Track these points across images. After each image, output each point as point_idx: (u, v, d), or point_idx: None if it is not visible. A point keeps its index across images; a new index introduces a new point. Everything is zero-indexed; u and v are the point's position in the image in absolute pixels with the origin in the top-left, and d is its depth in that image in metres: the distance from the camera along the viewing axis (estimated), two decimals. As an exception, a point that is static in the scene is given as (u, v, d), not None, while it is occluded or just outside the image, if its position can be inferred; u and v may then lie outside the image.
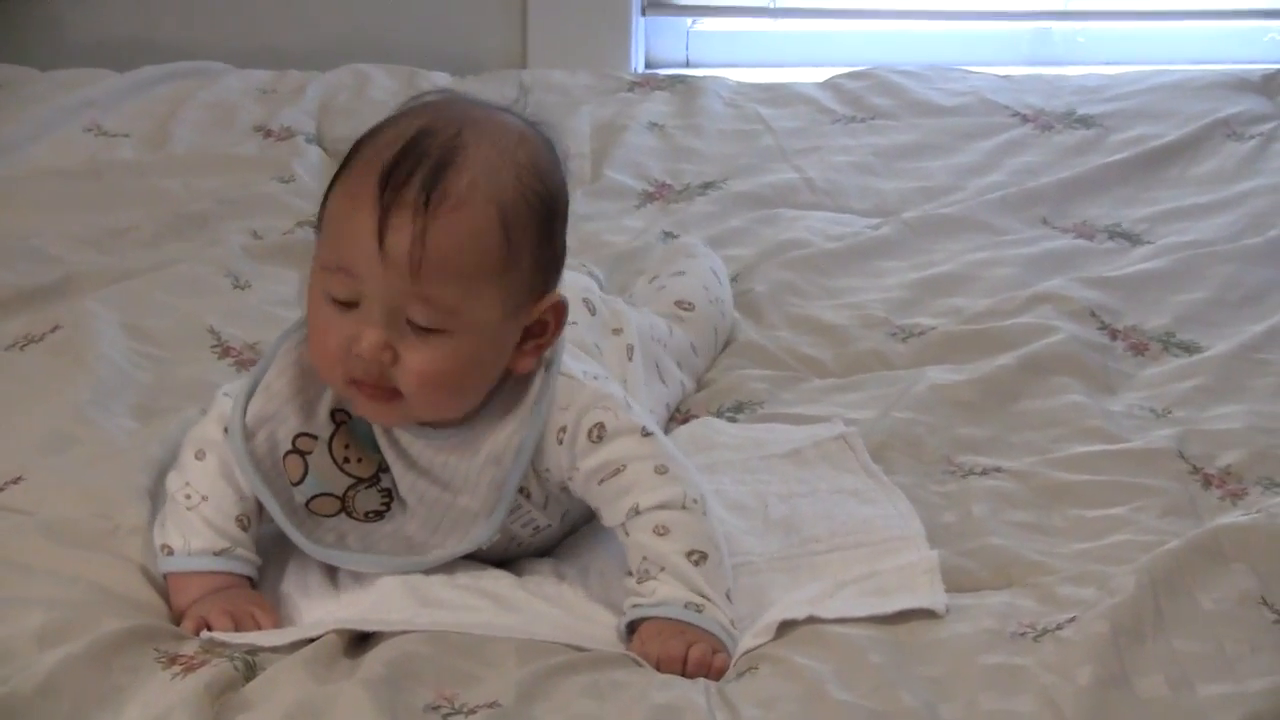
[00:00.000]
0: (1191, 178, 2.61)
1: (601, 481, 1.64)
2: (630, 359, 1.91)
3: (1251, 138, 2.70)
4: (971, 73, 3.02)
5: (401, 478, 1.67)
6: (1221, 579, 1.60)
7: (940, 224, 2.45)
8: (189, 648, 1.56)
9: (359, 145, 1.62)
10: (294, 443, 1.67)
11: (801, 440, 1.91)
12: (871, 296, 2.26)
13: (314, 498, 1.67)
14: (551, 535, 1.74)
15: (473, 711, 1.48)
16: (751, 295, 2.24)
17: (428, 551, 1.67)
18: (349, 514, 1.68)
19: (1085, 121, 2.78)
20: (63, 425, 1.88)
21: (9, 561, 1.66)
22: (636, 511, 1.62)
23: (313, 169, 2.61)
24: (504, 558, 1.71)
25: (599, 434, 1.64)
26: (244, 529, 1.68)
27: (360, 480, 1.68)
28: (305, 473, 1.67)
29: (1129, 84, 2.92)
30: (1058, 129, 2.77)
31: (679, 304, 2.09)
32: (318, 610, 1.64)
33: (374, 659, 1.53)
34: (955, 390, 2.01)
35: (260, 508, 1.68)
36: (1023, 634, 1.57)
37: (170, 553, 1.67)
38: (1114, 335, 2.15)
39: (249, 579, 1.68)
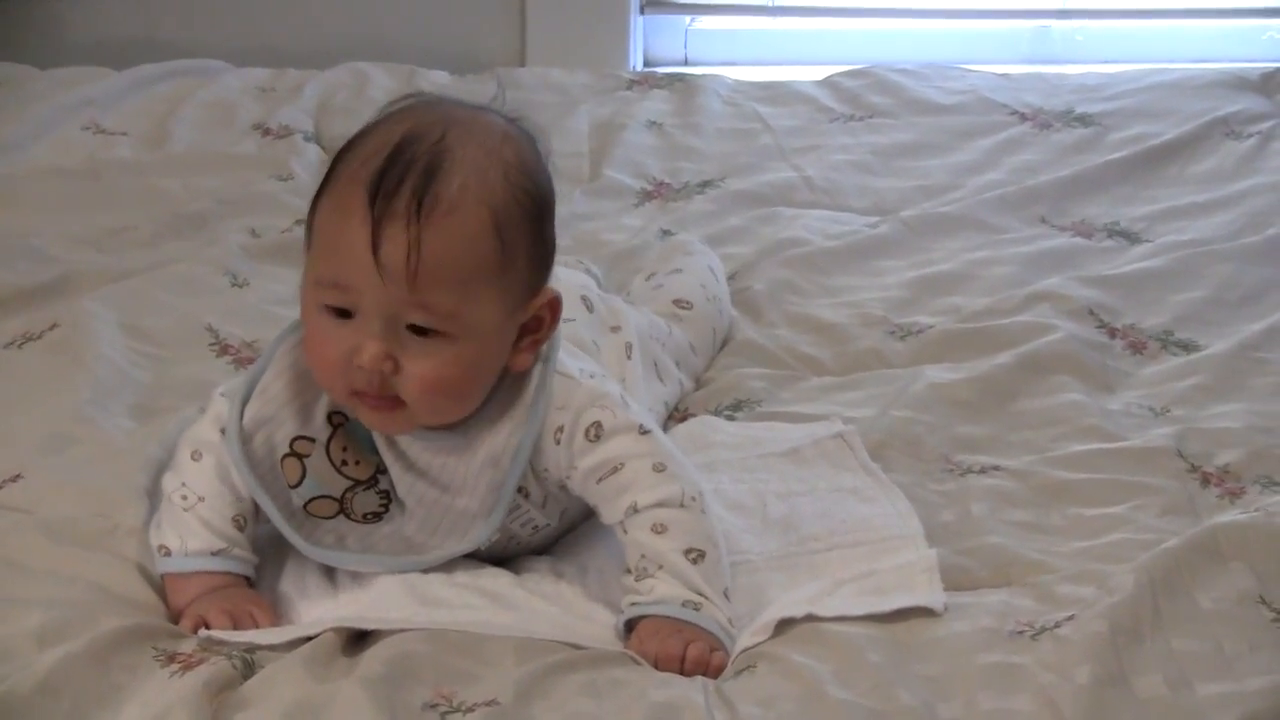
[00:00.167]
0: (1190, 176, 2.61)
1: (600, 480, 1.64)
2: (629, 357, 1.91)
3: (1250, 136, 2.70)
4: (970, 71, 3.02)
5: (399, 479, 1.67)
6: (1220, 578, 1.60)
7: (939, 222, 2.45)
8: (187, 646, 1.56)
9: (341, 156, 1.61)
10: (291, 446, 1.66)
11: (800, 439, 1.91)
12: (870, 295, 2.26)
13: (312, 500, 1.67)
14: (550, 533, 1.74)
15: (471, 710, 1.48)
16: (750, 294, 2.24)
17: (426, 552, 1.67)
18: (347, 516, 1.68)
19: (1084, 120, 2.78)
20: (61, 424, 1.88)
21: (8, 561, 1.66)
22: (634, 509, 1.62)
23: (311, 168, 2.61)
24: (502, 556, 1.71)
25: (596, 433, 1.64)
26: (241, 529, 1.68)
27: (358, 482, 1.68)
28: (303, 475, 1.67)
29: (1128, 83, 2.92)
30: (1056, 127, 2.77)
31: (677, 303, 2.09)
32: (316, 609, 1.64)
33: (372, 657, 1.53)
34: (954, 389, 2.01)
35: (257, 508, 1.68)
36: (1021, 633, 1.57)
37: (167, 553, 1.67)
38: (1112, 334, 2.15)
39: (246, 578, 1.68)
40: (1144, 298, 2.22)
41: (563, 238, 2.34)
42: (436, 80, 2.93)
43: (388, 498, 1.68)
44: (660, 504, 1.61)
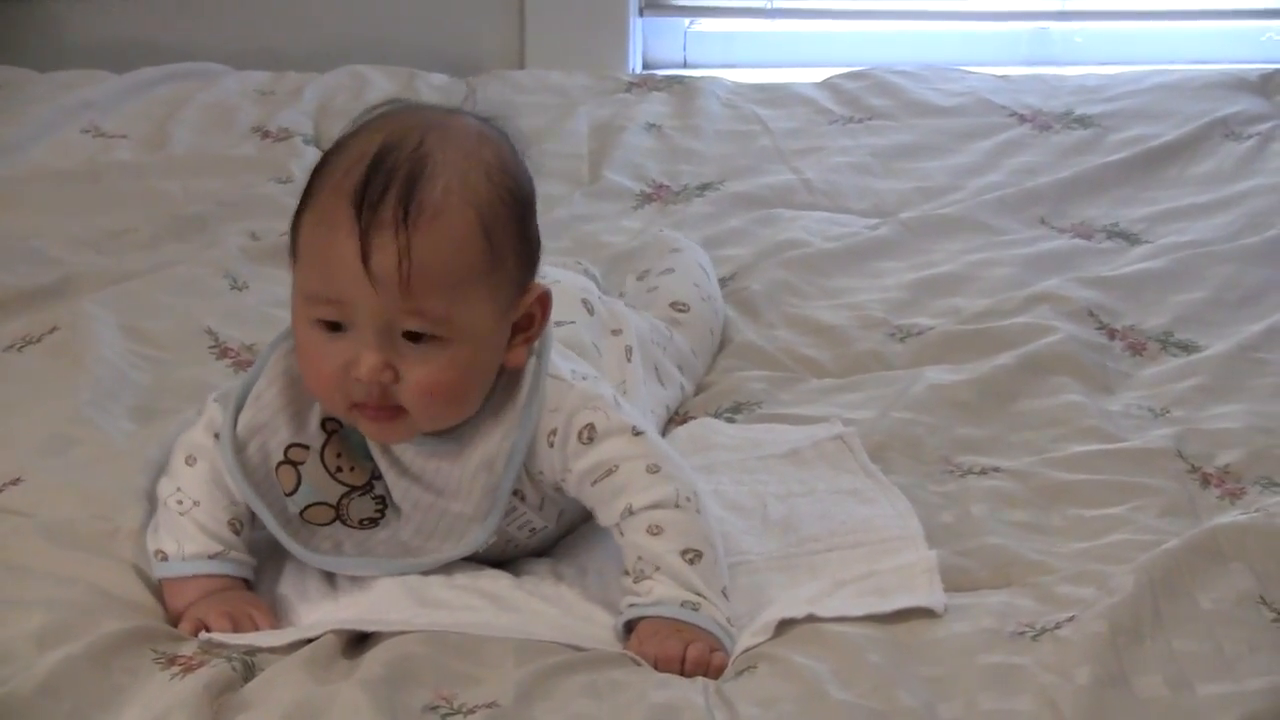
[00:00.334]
0: (1190, 177, 2.61)
1: (594, 483, 1.64)
2: (629, 360, 1.91)
3: (1249, 137, 2.70)
4: (969, 73, 3.02)
5: (395, 485, 1.67)
6: (1220, 578, 1.60)
7: (938, 224, 2.45)
8: (188, 648, 1.56)
9: (319, 169, 1.61)
10: (286, 453, 1.66)
11: (800, 440, 1.91)
12: (870, 297, 2.26)
13: (308, 507, 1.67)
14: (548, 536, 1.74)
15: (471, 712, 1.48)
16: (750, 296, 2.23)
17: (423, 556, 1.67)
18: (344, 522, 1.68)
19: (1083, 121, 2.78)
20: (61, 427, 1.88)
21: (8, 563, 1.66)
22: (630, 512, 1.62)
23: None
24: (501, 559, 1.71)
25: (589, 435, 1.64)
26: (237, 533, 1.67)
27: (354, 488, 1.68)
28: (298, 483, 1.66)
29: (1127, 84, 2.92)
30: (1056, 129, 2.77)
31: (674, 305, 2.09)
32: (316, 611, 1.64)
33: (372, 659, 1.53)
34: (954, 390, 2.01)
35: (253, 513, 1.67)
36: (1021, 633, 1.57)
37: (164, 558, 1.67)
38: (1112, 335, 2.15)
39: (245, 581, 1.68)
40: (1144, 299, 2.22)
41: (562, 239, 2.37)
42: (436, 83, 2.93)
43: (383, 503, 1.68)
44: (655, 505, 1.61)
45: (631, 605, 1.60)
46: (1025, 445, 1.92)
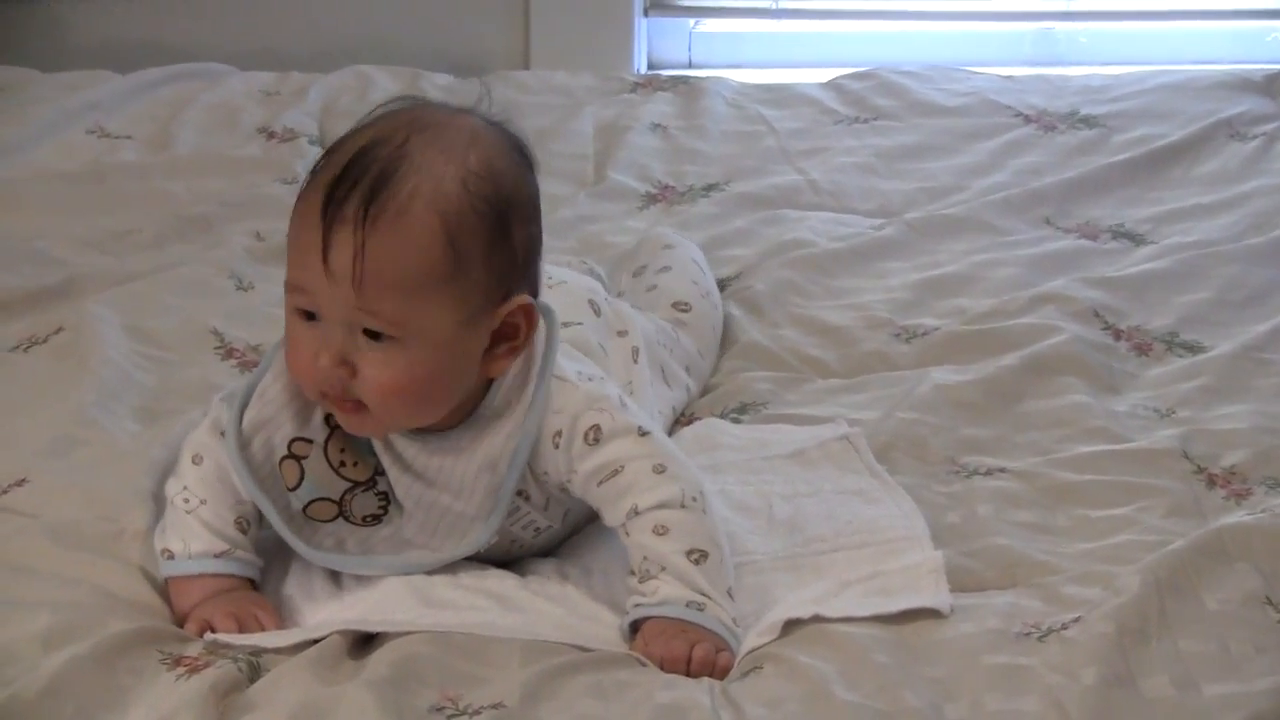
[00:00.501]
0: (1195, 178, 2.61)
1: (600, 483, 1.64)
2: (636, 361, 1.91)
3: (1254, 138, 2.70)
4: (974, 73, 3.02)
5: (397, 481, 1.67)
6: (1226, 579, 1.60)
7: (943, 225, 2.45)
8: (193, 649, 1.56)
9: (318, 162, 1.62)
10: (290, 448, 1.66)
11: (805, 441, 1.91)
12: (875, 297, 2.26)
13: (311, 503, 1.67)
14: (554, 536, 1.74)
15: (477, 712, 1.48)
16: (755, 296, 2.23)
17: (426, 555, 1.67)
18: (346, 518, 1.68)
19: (1088, 122, 2.78)
20: (66, 428, 1.89)
21: (13, 564, 1.66)
22: (636, 512, 1.62)
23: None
24: (506, 559, 1.71)
25: (595, 436, 1.64)
26: (243, 531, 1.68)
27: (357, 484, 1.68)
28: (301, 478, 1.67)
29: (1132, 84, 2.92)
30: (1061, 129, 2.76)
31: (676, 306, 2.08)
32: (321, 612, 1.64)
33: (378, 660, 1.53)
34: (959, 391, 2.00)
35: (260, 511, 1.68)
36: (1028, 634, 1.57)
37: (171, 557, 1.67)
38: (1118, 335, 2.15)
39: (251, 581, 1.68)
40: (1149, 299, 2.22)
41: (567, 240, 2.37)
42: (440, 83, 2.93)
43: (386, 500, 1.68)
44: (661, 505, 1.61)
45: (637, 605, 1.60)
46: (1031, 446, 1.92)
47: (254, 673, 1.54)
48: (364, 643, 1.58)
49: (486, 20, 3.31)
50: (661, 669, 1.55)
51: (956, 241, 2.41)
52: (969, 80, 2.97)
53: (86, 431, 1.88)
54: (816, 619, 1.59)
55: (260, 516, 1.68)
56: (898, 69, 2.99)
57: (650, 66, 3.36)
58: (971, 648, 1.55)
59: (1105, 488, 1.83)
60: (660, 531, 1.61)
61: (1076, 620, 1.56)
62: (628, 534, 1.63)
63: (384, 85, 2.91)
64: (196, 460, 1.68)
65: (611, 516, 1.64)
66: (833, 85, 2.95)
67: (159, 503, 1.72)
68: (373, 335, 1.57)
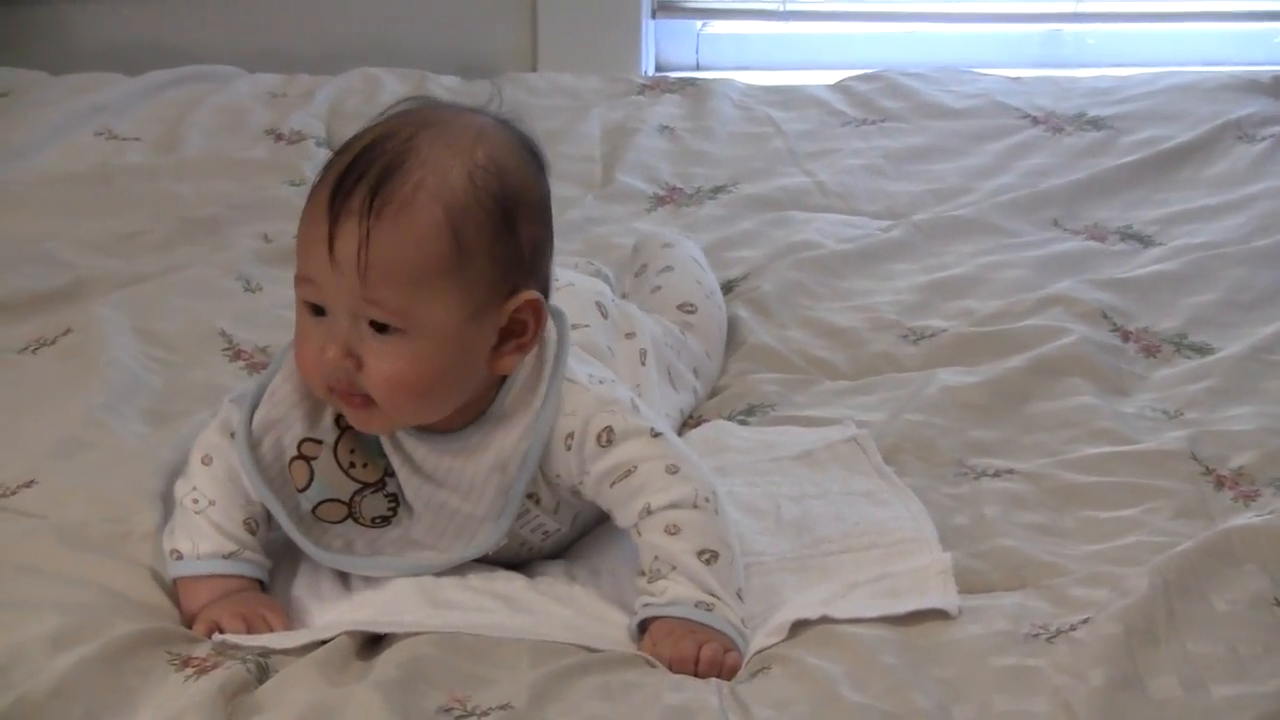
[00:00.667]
0: (1202, 179, 2.60)
1: (613, 484, 1.64)
2: (643, 363, 1.91)
3: (1262, 139, 2.70)
4: (982, 75, 3.02)
5: (407, 482, 1.67)
6: (1234, 580, 1.60)
7: (951, 226, 2.45)
8: (202, 650, 1.57)
9: (330, 159, 1.63)
10: (299, 448, 1.67)
11: (813, 442, 1.91)
12: (883, 299, 2.25)
13: (320, 504, 1.67)
14: (563, 539, 1.74)
15: (485, 714, 1.48)
16: (762, 298, 2.23)
17: (434, 556, 1.67)
18: (355, 520, 1.68)
19: (1096, 123, 2.78)
20: (74, 429, 1.89)
21: (22, 565, 1.66)
22: (648, 511, 1.62)
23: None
24: (515, 561, 1.71)
25: (608, 438, 1.64)
26: (252, 532, 1.68)
27: (366, 485, 1.68)
28: (311, 478, 1.67)
29: (1139, 86, 2.92)
30: (1068, 131, 2.76)
31: (681, 307, 2.08)
32: (329, 613, 1.64)
33: (386, 661, 1.53)
34: (967, 392, 2.00)
35: (269, 512, 1.68)
36: (1035, 635, 1.57)
37: (179, 557, 1.67)
38: (1125, 337, 2.15)
39: (259, 582, 1.68)
40: (1157, 301, 2.22)
41: (575, 242, 2.37)
42: (447, 85, 2.93)
43: (396, 501, 1.68)
44: (673, 505, 1.61)
45: (646, 605, 1.60)
46: (1038, 447, 1.92)
47: (262, 674, 1.54)
48: (372, 644, 1.58)
49: (494, 22, 3.32)
50: (670, 669, 1.55)
51: (964, 243, 2.41)
52: (977, 82, 2.97)
53: (94, 433, 1.88)
54: (824, 620, 1.59)
55: (269, 517, 1.68)
56: (905, 71, 3.00)
57: (658, 68, 3.36)
58: (979, 649, 1.55)
59: (1113, 489, 1.83)
60: (672, 531, 1.61)
61: (1084, 621, 1.56)
62: (639, 534, 1.63)
63: (391, 87, 2.92)
64: (206, 461, 1.68)
65: (623, 517, 1.64)
66: (840, 87, 2.95)
67: (167, 504, 1.72)
68: (379, 328, 1.57)
